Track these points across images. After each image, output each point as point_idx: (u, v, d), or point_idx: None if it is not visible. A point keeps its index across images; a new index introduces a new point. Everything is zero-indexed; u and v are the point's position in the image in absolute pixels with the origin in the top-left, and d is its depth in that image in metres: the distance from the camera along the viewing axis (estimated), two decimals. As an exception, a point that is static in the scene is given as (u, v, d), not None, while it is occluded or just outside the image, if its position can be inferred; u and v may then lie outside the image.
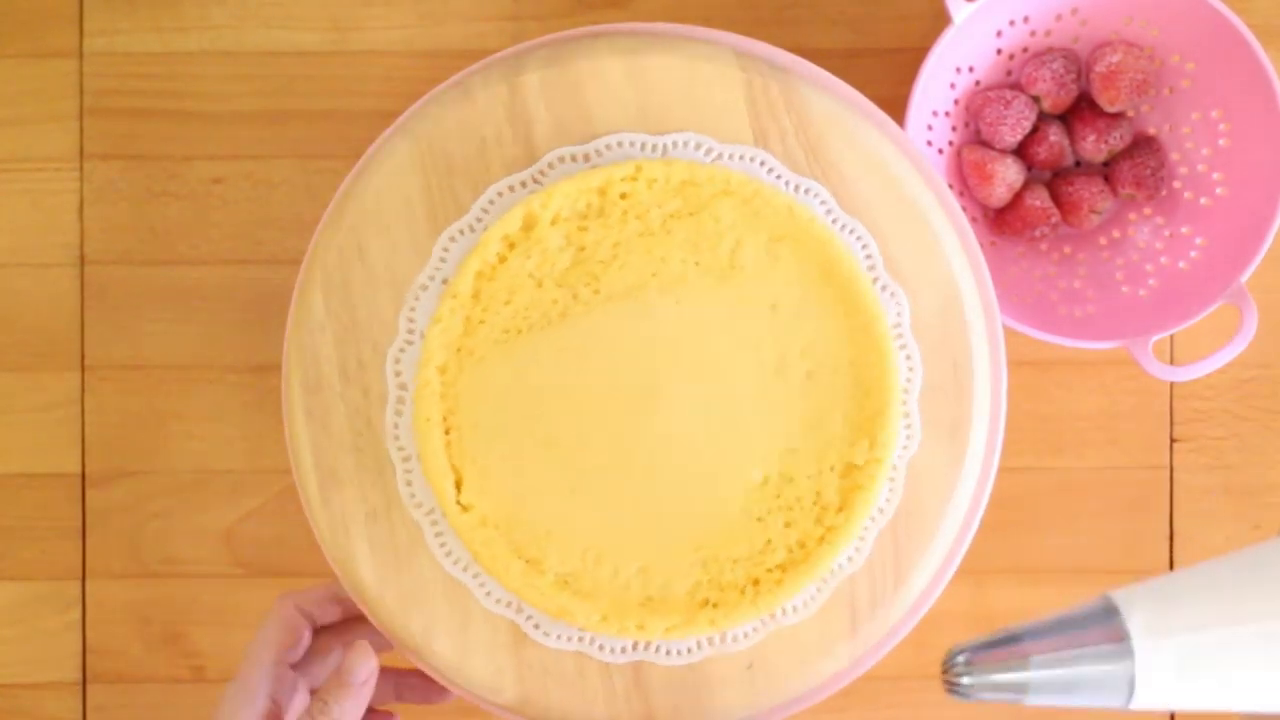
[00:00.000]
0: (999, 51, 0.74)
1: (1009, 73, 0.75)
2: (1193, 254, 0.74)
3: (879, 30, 0.76)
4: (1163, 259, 0.74)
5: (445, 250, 0.63)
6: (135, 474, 0.75)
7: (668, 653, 0.63)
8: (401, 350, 0.63)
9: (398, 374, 0.63)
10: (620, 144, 0.62)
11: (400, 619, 0.63)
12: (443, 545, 0.63)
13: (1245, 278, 0.70)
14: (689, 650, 0.63)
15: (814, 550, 0.61)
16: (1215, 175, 0.74)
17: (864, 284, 0.61)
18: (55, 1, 0.75)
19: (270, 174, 0.75)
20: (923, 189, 0.63)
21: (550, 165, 0.62)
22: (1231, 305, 0.70)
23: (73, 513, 0.76)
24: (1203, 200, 0.74)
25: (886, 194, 0.62)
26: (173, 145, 0.75)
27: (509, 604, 0.63)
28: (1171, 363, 0.76)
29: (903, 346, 0.62)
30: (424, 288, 0.63)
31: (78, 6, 0.75)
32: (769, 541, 0.61)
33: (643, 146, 0.62)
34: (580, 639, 0.63)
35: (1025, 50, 0.74)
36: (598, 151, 0.62)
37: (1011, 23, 0.73)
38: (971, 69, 0.74)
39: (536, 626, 0.63)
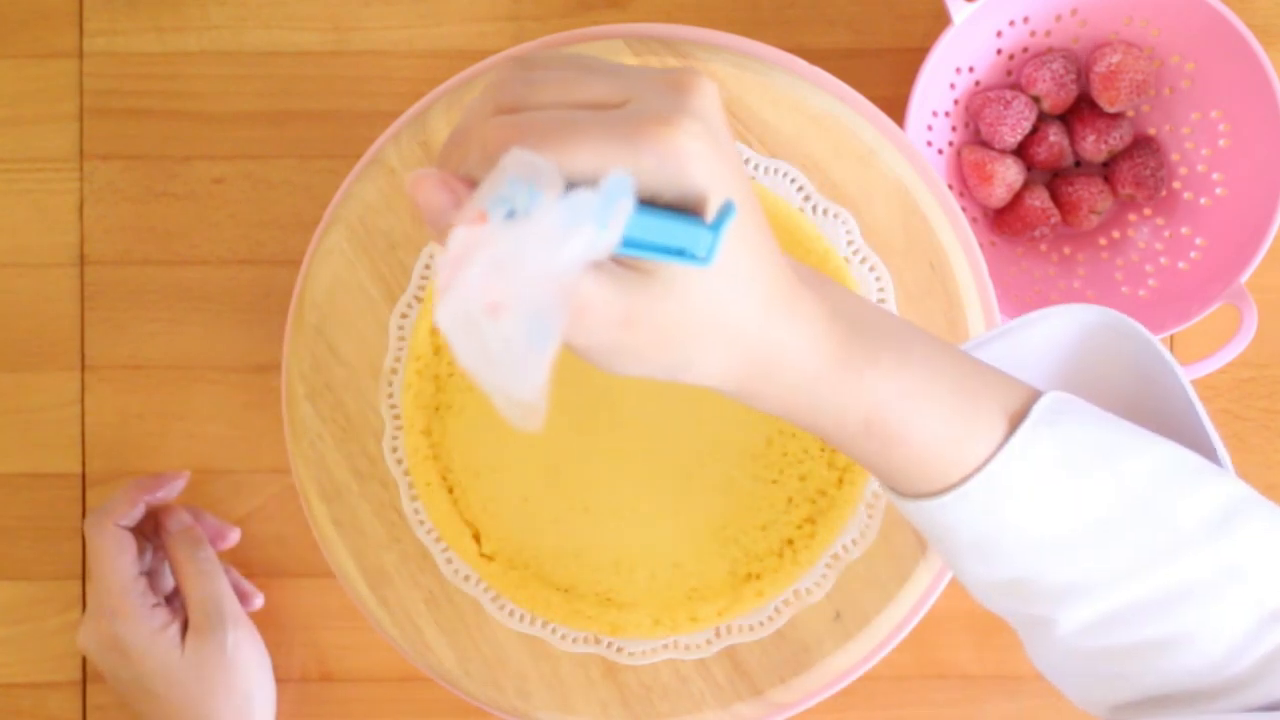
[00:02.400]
0: (999, 51, 0.74)
1: (1009, 73, 0.75)
2: (1193, 254, 0.73)
3: (879, 30, 0.75)
4: (1163, 259, 0.74)
5: (401, 328, 0.62)
6: (135, 474, 0.75)
7: (751, 628, 0.62)
8: (395, 436, 0.63)
9: (400, 461, 0.63)
10: None
11: (492, 689, 0.63)
12: (502, 607, 0.63)
13: (1245, 278, 0.70)
14: (770, 619, 0.62)
15: (835, 495, 0.60)
16: (1215, 175, 0.74)
17: (796, 214, 0.60)
18: (55, 1, 0.75)
19: (270, 174, 0.75)
20: (851, 115, 0.62)
21: None
22: (1231, 305, 0.70)
23: (73, 513, 0.75)
24: (1203, 200, 0.74)
25: (808, 126, 0.62)
26: (173, 145, 0.75)
27: (587, 639, 0.62)
28: (1171, 363, 0.76)
29: (864, 260, 0.61)
30: (394, 371, 0.62)
31: (78, 6, 0.75)
32: (789, 500, 0.61)
33: None
34: (665, 646, 0.62)
35: (1025, 50, 0.74)
36: None
37: (1011, 23, 0.73)
38: (971, 69, 0.74)
39: (620, 650, 0.62)
